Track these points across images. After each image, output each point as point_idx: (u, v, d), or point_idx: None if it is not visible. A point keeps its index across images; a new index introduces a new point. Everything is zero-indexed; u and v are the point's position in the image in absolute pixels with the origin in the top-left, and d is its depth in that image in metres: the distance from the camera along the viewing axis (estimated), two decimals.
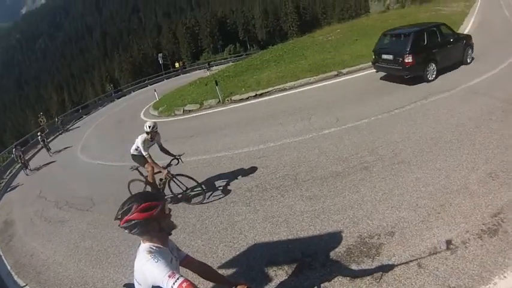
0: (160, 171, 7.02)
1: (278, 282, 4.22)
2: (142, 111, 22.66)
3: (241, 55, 62.59)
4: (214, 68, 41.37)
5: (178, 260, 2.48)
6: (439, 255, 4.04)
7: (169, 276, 1.99)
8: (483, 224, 4.40)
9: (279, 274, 4.34)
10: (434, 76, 11.18)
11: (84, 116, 33.96)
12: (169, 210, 2.35)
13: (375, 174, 6.21)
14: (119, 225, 2.20)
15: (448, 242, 4.15)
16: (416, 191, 5.42)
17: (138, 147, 7.18)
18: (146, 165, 7.30)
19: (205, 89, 20.17)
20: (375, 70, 13.12)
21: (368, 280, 3.90)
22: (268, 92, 15.78)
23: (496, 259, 3.83)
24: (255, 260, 4.73)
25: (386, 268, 3.99)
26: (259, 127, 10.93)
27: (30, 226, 9.30)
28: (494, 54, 13.19)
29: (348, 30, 24.86)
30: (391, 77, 12.20)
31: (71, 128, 29.52)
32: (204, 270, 2.69)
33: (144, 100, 27.51)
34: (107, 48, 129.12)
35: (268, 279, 4.30)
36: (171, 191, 7.50)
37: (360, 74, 14.92)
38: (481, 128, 7.18)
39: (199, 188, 7.17)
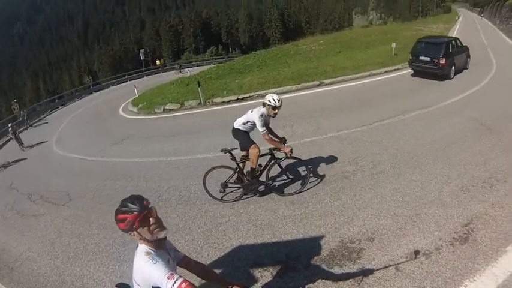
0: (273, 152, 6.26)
1: (264, 283, 4.33)
2: (121, 107, 22.28)
3: (223, 58, 62.69)
4: (186, 70, 40.77)
5: (176, 261, 2.53)
6: (415, 260, 4.30)
7: (168, 278, 2.03)
8: (455, 233, 4.73)
9: (264, 275, 4.45)
10: (453, 76, 14.47)
11: (60, 107, 32.98)
12: (156, 219, 2.31)
13: (355, 184, 6.47)
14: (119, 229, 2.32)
15: (416, 252, 4.41)
16: (394, 200, 5.72)
17: (248, 121, 6.13)
18: (252, 147, 6.13)
19: (186, 89, 20.12)
20: (410, 69, 15.86)
21: (350, 282, 4.09)
22: (250, 96, 15.95)
23: (467, 264, 4.13)
24: (240, 261, 4.82)
25: (366, 271, 4.20)
26: None
27: (1, 219, 8.83)
28: (466, 77, 13.96)
29: (332, 41, 25.49)
30: (372, 89, 12.70)
31: (36, 123, 26.99)
32: (201, 270, 2.76)
33: (123, 95, 27.11)
34: (87, 38, 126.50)
35: (254, 280, 4.40)
36: (267, 178, 6.49)
37: (342, 85, 15.39)
38: (456, 144, 7.70)
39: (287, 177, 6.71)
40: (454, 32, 30.00)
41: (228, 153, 6.17)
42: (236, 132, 6.38)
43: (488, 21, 55.00)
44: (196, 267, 2.74)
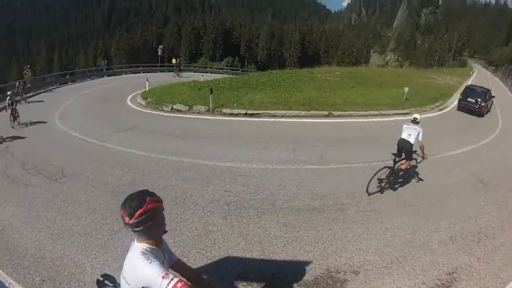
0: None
1: None
2: (130, 97, 22.28)
3: (238, 70, 63.52)
4: (185, 74, 40.45)
5: (169, 264, 2.48)
6: None
7: (162, 277, 2.00)
8: (438, 279, 4.87)
9: None
10: (485, 114, 20.22)
11: (70, 83, 32.97)
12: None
13: (349, 217, 6.61)
14: (127, 223, 2.11)
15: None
16: (383, 239, 5.86)
17: (416, 133, 8.08)
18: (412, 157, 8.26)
19: (197, 93, 20.27)
20: (457, 108, 20.69)
21: None
22: (258, 113, 16.11)
23: None
24: (227, 272, 4.90)
25: None
26: (244, 145, 11.21)
27: None
28: (473, 131, 14.23)
29: (347, 75, 25.86)
30: (380, 129, 12.98)
31: (31, 100, 23.46)
32: (194, 277, 2.67)
33: (134, 86, 27.06)
34: (110, 22, 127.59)
35: None
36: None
37: (350, 119, 15.57)
38: (452, 195, 7.97)
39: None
40: None
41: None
42: (405, 144, 8.07)
43: (499, 81, 56.64)
44: (190, 272, 2.67)
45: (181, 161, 9.68)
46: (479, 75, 63.01)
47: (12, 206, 7.14)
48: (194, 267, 4.91)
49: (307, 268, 4.98)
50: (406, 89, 19.55)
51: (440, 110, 19.88)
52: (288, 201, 7.25)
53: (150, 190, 2.28)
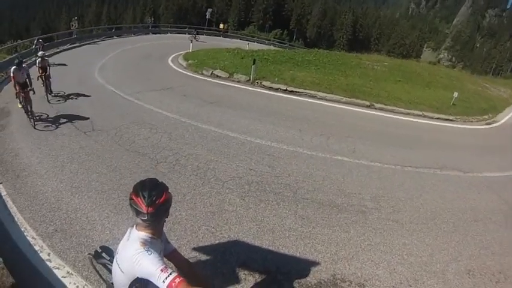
0: None
1: (245, 287, 4.35)
2: (171, 57, 22.50)
3: (285, 43, 62.06)
4: (231, 40, 40.07)
5: (164, 253, 2.44)
6: None
7: (161, 270, 1.98)
8: None
9: (248, 280, 4.46)
10: None
11: (115, 37, 33.68)
12: None
13: (369, 223, 6.31)
14: (145, 212, 2.07)
15: None
16: (398, 255, 5.53)
17: None
18: None
19: (240, 62, 20.16)
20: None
21: None
22: (299, 92, 15.89)
23: None
24: (232, 256, 4.84)
25: None
26: (278, 123, 11.01)
27: (25, 125, 9.19)
28: None
29: (395, 67, 24.63)
30: (419, 131, 12.50)
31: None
32: (187, 268, 2.63)
33: (177, 46, 27.32)
34: None
35: (237, 281, 4.42)
36: None
37: (390, 115, 14.93)
38: (479, 223, 7.19)
39: None
40: None
41: None
42: None
43: None
44: (183, 263, 2.65)
45: (210, 129, 9.66)
46: None
47: (41, 153, 7.50)
48: (200, 244, 4.96)
49: (313, 269, 4.83)
50: (456, 94, 18.29)
51: (488, 124, 18.42)
52: (311, 192, 7.06)
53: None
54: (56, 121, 9.53)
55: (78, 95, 12.30)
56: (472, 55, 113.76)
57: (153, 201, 2.09)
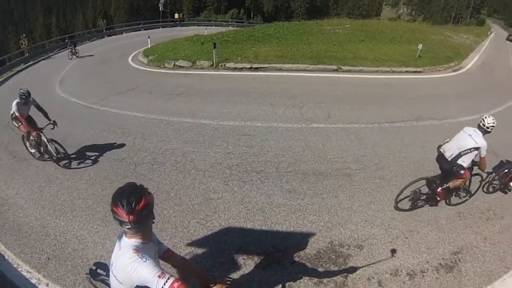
0: None
1: (246, 271, 4.26)
2: (131, 56, 21.64)
3: (243, 22, 61.01)
4: (188, 28, 38.48)
5: (158, 254, 2.39)
6: (399, 278, 4.24)
7: (159, 276, 1.94)
8: (442, 259, 4.63)
9: (248, 264, 4.38)
10: None
11: (69, 47, 32.02)
12: None
13: (356, 184, 6.31)
14: (127, 221, 1.97)
15: (393, 251, 4.55)
16: (391, 211, 5.57)
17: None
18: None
19: (200, 48, 19.57)
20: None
21: (331, 287, 4.02)
22: (264, 68, 15.63)
23: None
24: (226, 244, 4.73)
25: (349, 279, 4.14)
26: (248, 102, 10.82)
27: None
28: (487, 98, 13.28)
29: (357, 28, 24.57)
30: (389, 87, 12.53)
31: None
32: (183, 265, 2.63)
33: (135, 44, 26.25)
34: None
35: (237, 267, 4.33)
36: None
37: (359, 75, 14.94)
38: None
39: None
40: (483, 48, 29.12)
41: None
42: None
43: None
44: (179, 261, 2.60)
45: (182, 121, 9.39)
46: (497, 37, 58.88)
47: (17, 183, 6.96)
48: (194, 238, 4.82)
49: (310, 241, 4.79)
50: (420, 46, 18.40)
51: (455, 71, 18.64)
52: (292, 164, 6.99)
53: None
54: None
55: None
56: (431, 7, 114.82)
57: (133, 208, 1.97)
